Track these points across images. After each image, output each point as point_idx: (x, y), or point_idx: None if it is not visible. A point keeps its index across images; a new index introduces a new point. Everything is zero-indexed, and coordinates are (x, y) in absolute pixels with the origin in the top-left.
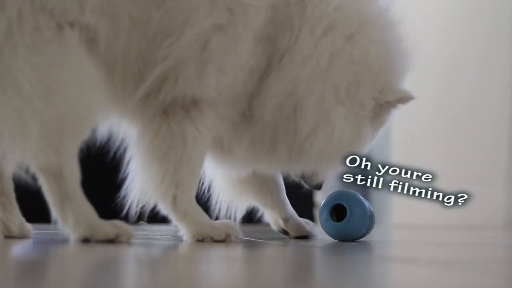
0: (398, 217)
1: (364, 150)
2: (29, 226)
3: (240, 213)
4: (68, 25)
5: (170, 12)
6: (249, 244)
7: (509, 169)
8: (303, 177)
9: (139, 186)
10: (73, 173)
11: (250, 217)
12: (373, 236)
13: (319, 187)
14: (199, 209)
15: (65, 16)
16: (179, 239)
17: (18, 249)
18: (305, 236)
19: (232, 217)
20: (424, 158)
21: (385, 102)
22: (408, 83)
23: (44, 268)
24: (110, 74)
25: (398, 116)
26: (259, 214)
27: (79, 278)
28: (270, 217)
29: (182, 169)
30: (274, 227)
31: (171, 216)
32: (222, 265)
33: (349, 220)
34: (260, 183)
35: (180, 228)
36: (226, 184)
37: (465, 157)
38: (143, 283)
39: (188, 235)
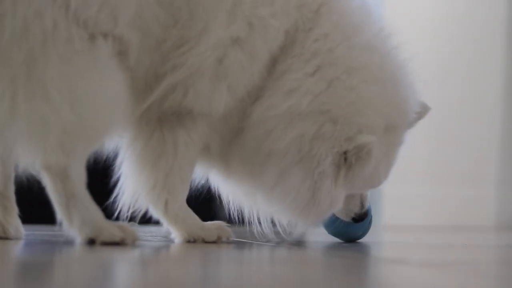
0: (389, 219)
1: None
2: (22, 228)
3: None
4: (101, 36)
5: (187, 25)
6: (241, 245)
7: (500, 170)
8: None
9: (130, 190)
10: (79, 175)
11: (242, 219)
12: (364, 237)
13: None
14: (190, 212)
15: (99, 27)
16: (170, 240)
17: (15, 250)
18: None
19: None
20: (415, 160)
21: (342, 152)
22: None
23: (39, 270)
24: (133, 87)
25: None
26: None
27: (70, 279)
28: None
29: (173, 175)
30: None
31: (163, 220)
32: (213, 266)
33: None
34: None
35: (172, 231)
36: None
37: (456, 158)
38: (132, 284)
39: (180, 238)
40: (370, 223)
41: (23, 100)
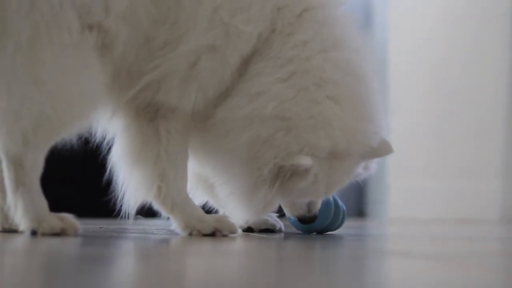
0: (394, 211)
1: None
2: None
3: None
4: (87, 27)
5: (172, 27)
6: (240, 238)
7: (504, 163)
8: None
9: (126, 183)
10: (35, 166)
11: None
12: (368, 230)
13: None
14: (189, 201)
15: (90, 17)
16: (174, 233)
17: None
18: (270, 230)
19: None
20: (419, 153)
21: (280, 166)
22: (404, 78)
23: (46, 260)
24: (114, 80)
25: (395, 111)
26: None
27: (71, 271)
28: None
29: (161, 162)
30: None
31: (160, 209)
32: (211, 259)
33: (323, 215)
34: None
35: (172, 221)
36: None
37: (461, 152)
38: (133, 276)
39: (178, 228)
40: (338, 216)
41: (13, 76)
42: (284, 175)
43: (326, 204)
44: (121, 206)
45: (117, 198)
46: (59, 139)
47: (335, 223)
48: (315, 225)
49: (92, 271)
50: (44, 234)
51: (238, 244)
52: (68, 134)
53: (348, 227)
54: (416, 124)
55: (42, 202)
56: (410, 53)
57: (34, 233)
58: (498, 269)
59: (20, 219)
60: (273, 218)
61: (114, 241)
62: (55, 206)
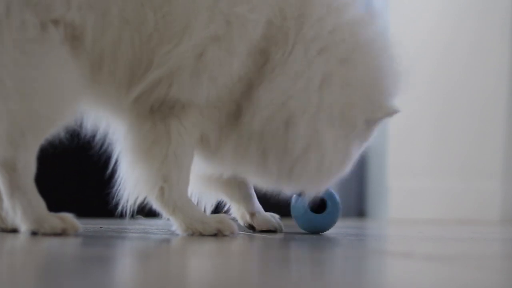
0: (394, 212)
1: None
2: None
3: (209, 206)
4: (52, 23)
5: (167, 17)
6: (241, 238)
7: (505, 164)
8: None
9: (128, 181)
10: (28, 168)
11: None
12: (369, 230)
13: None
14: (190, 203)
15: (50, 13)
16: (174, 234)
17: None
18: (271, 231)
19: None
20: (420, 153)
21: (375, 120)
22: (404, 78)
23: (38, 263)
24: (97, 70)
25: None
26: (226, 208)
27: (70, 272)
28: (237, 211)
29: (168, 163)
30: (240, 221)
31: (161, 210)
32: (211, 259)
33: (330, 212)
34: (228, 177)
35: (172, 222)
36: (195, 177)
37: (461, 152)
38: (132, 277)
39: (179, 229)
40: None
41: None
42: (373, 127)
43: (338, 203)
44: (121, 205)
45: (117, 197)
46: (47, 136)
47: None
48: (326, 223)
49: (91, 271)
50: (45, 234)
51: (239, 245)
52: (55, 129)
53: (348, 227)
54: (416, 124)
55: (40, 203)
56: (410, 53)
57: (34, 233)
58: (498, 270)
59: (20, 222)
60: (276, 219)
61: (114, 241)
62: (55, 205)
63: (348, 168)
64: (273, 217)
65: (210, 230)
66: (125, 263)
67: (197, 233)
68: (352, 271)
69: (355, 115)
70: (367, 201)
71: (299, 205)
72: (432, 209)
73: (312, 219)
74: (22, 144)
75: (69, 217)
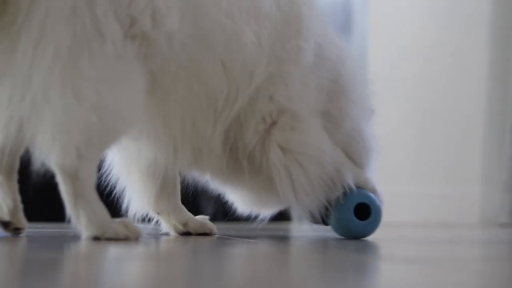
0: None
1: None
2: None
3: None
4: (130, 37)
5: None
6: (224, 242)
7: (483, 169)
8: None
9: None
10: (90, 176)
11: (225, 214)
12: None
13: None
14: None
15: (138, 27)
16: (158, 237)
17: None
18: (207, 234)
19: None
20: (400, 158)
21: None
22: (385, 83)
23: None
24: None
25: (376, 117)
26: (154, 221)
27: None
28: (167, 224)
29: None
30: (173, 232)
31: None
32: (206, 263)
33: (374, 218)
34: (159, 187)
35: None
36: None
37: (441, 157)
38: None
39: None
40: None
41: (57, 92)
42: None
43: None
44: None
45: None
46: (109, 148)
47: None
48: (372, 231)
49: (78, 274)
50: (109, 239)
51: (237, 248)
52: (117, 142)
53: (328, 230)
54: (396, 129)
55: (103, 210)
56: (391, 58)
57: (97, 239)
58: (478, 272)
59: (84, 228)
60: (208, 222)
61: (100, 243)
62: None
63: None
64: (205, 220)
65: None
66: (107, 265)
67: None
68: (331, 273)
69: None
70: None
71: (345, 212)
72: (412, 213)
73: (360, 225)
74: (88, 155)
75: (131, 223)
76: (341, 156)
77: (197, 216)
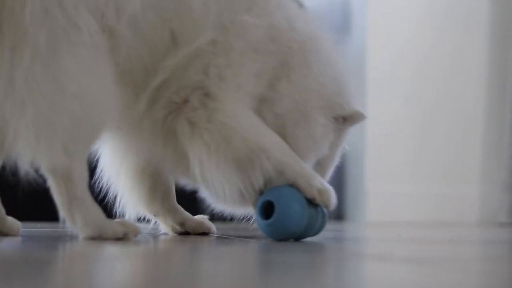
0: (373, 215)
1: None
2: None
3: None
4: (102, 30)
5: (177, 30)
6: (222, 242)
7: (482, 168)
8: None
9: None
10: (82, 175)
11: (223, 215)
12: (347, 233)
13: None
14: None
15: (105, 20)
16: (157, 236)
17: None
18: (205, 233)
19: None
20: (398, 158)
21: (341, 117)
22: (383, 82)
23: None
24: (122, 83)
25: (372, 115)
26: (152, 223)
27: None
28: (165, 225)
29: None
30: (171, 233)
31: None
32: (200, 262)
33: (278, 217)
34: (150, 188)
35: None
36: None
37: (440, 156)
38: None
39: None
40: (315, 220)
41: (37, 88)
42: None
43: (299, 208)
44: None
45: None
46: (93, 145)
47: (312, 228)
48: (289, 230)
49: (67, 274)
50: (106, 239)
51: (214, 248)
52: (100, 137)
53: (326, 230)
54: (395, 129)
55: (98, 210)
56: (390, 57)
57: (94, 238)
58: (477, 272)
59: (80, 230)
60: (207, 221)
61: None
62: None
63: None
64: (204, 219)
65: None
66: (98, 265)
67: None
68: (329, 273)
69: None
70: (345, 204)
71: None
72: (411, 212)
73: (264, 224)
74: (76, 153)
75: (128, 221)
76: (270, 142)
77: (196, 216)
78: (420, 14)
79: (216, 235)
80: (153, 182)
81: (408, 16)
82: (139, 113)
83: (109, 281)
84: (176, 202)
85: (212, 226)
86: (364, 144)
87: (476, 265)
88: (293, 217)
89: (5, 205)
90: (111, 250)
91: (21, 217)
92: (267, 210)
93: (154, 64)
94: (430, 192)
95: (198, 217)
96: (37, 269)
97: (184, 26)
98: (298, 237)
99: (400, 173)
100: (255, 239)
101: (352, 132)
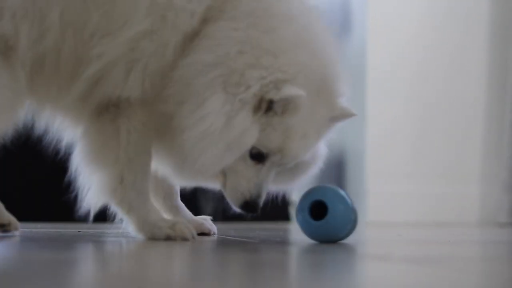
0: (373, 215)
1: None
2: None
3: None
4: None
5: (108, 14)
6: (224, 243)
7: (483, 168)
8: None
9: (87, 185)
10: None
11: (225, 215)
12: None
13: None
14: (148, 204)
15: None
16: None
17: None
18: (205, 234)
19: None
20: (399, 157)
21: (268, 98)
22: (383, 82)
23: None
24: (37, 75)
25: (372, 115)
26: None
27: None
28: None
29: (120, 164)
30: None
31: (117, 210)
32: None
33: (330, 218)
34: (152, 187)
35: (127, 223)
36: None
37: (440, 156)
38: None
39: (134, 231)
40: (355, 223)
41: None
42: (281, 113)
43: (346, 209)
44: (83, 208)
45: (79, 200)
46: None
47: (351, 232)
48: (333, 233)
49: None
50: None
51: (212, 248)
52: None
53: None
54: (395, 129)
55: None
56: (390, 57)
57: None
58: (477, 272)
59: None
60: (208, 222)
61: (97, 245)
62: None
63: (236, 133)
64: (205, 220)
65: (160, 235)
66: (106, 266)
67: (148, 236)
68: (330, 274)
69: (249, 77)
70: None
71: (300, 212)
72: (411, 212)
73: (314, 226)
74: None
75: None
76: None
77: (198, 216)
78: (420, 14)
79: (217, 235)
80: (155, 181)
81: (408, 16)
82: (73, 103)
83: (107, 281)
84: (179, 202)
85: (213, 227)
86: (364, 144)
87: (476, 265)
88: (345, 218)
89: (5, 205)
90: (111, 250)
91: (21, 218)
92: (314, 210)
93: (85, 52)
94: (430, 192)
95: (200, 217)
96: (46, 270)
97: (114, 12)
98: (342, 238)
99: (400, 173)
100: (255, 240)
101: (352, 132)
